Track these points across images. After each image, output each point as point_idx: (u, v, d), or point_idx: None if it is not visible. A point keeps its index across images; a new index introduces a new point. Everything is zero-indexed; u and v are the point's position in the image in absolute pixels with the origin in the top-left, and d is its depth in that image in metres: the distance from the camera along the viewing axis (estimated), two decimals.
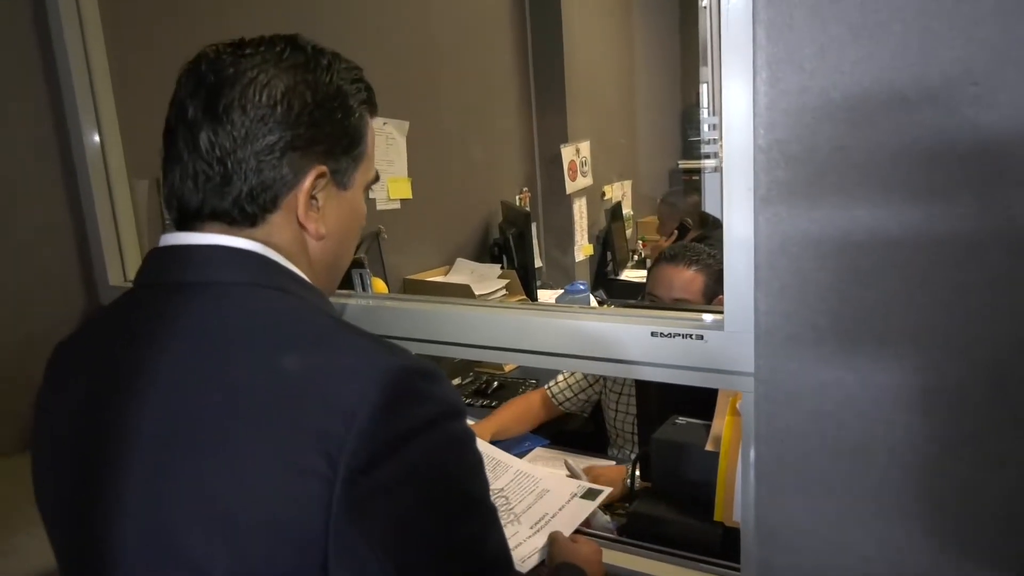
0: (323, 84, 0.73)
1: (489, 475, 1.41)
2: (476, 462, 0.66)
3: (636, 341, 0.95)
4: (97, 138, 1.56)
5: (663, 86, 4.98)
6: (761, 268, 0.81)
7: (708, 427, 1.20)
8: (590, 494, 1.29)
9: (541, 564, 1.10)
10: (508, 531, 1.22)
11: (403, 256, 2.79)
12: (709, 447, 1.15)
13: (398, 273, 2.78)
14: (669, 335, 0.93)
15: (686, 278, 1.82)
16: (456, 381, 2.46)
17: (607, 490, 1.26)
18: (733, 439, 1.06)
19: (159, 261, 0.73)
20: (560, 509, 1.26)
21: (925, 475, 0.79)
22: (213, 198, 0.70)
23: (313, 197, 0.74)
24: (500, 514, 1.31)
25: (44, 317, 1.51)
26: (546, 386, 2.10)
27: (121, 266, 1.59)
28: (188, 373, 0.65)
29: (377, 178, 0.84)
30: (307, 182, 0.72)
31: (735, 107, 0.81)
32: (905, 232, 0.75)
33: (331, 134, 0.74)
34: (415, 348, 1.11)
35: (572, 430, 2.20)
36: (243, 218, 0.71)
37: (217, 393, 0.62)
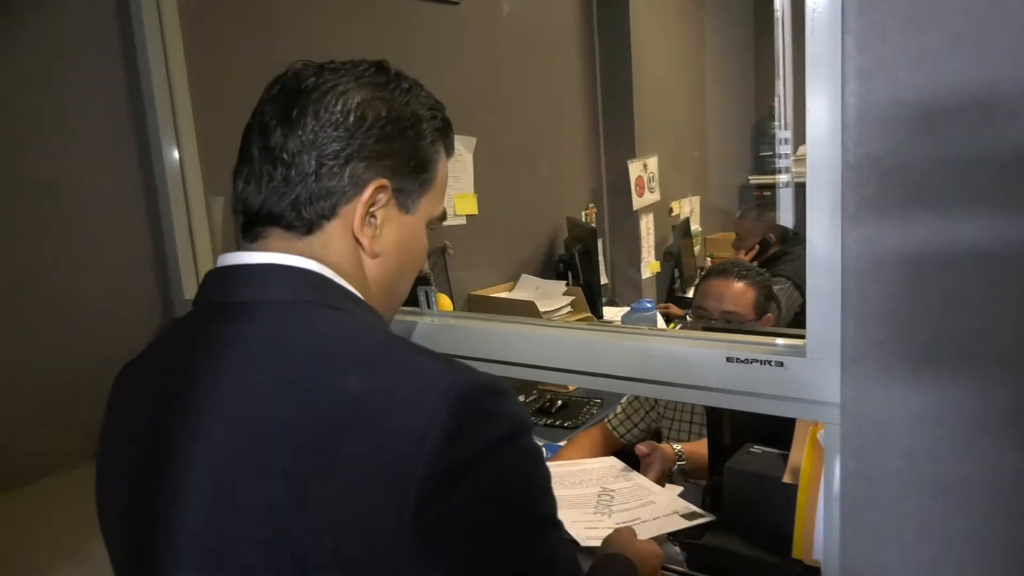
0: (399, 103, 0.74)
1: (611, 482, 1.44)
2: (545, 479, 0.64)
3: (711, 366, 0.91)
4: (176, 155, 1.61)
5: (734, 99, 4.87)
6: (849, 292, 0.76)
7: (786, 457, 1.14)
8: (691, 516, 1.26)
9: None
10: (593, 520, 1.27)
11: (468, 272, 2.79)
12: (787, 479, 1.08)
13: (463, 289, 2.78)
14: (746, 360, 0.88)
15: (737, 291, 1.78)
16: (520, 399, 2.43)
17: (709, 517, 1.23)
18: (814, 472, 1.00)
19: (216, 281, 0.72)
20: (654, 518, 1.26)
21: None
22: (272, 199, 0.70)
23: (372, 215, 0.73)
24: (598, 506, 1.35)
25: (122, 332, 1.55)
26: (606, 419, 2.06)
27: (196, 282, 1.62)
28: (248, 397, 0.63)
29: (444, 217, 0.83)
30: (366, 193, 0.72)
31: (820, 121, 0.76)
32: (1010, 253, 0.68)
33: (399, 151, 0.74)
34: (479, 367, 1.08)
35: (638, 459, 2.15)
36: (299, 223, 0.70)
37: (277, 418, 0.61)
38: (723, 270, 1.84)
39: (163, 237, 1.64)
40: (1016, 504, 0.72)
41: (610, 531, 1.06)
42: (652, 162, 3.55)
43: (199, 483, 0.63)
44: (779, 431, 1.13)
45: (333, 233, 0.71)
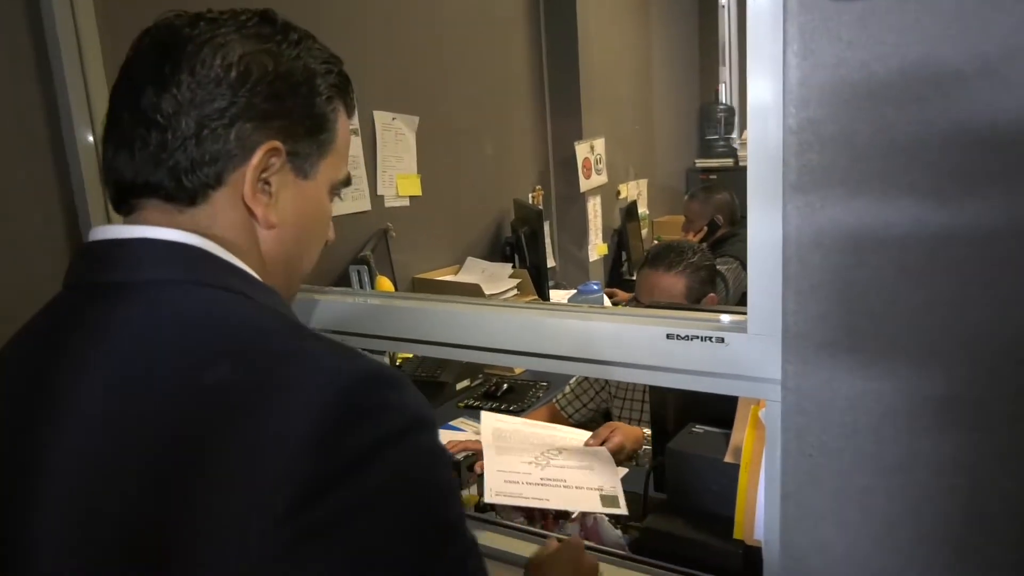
0: (288, 56, 0.66)
1: (564, 444, 1.43)
2: (449, 482, 0.58)
3: (650, 344, 0.87)
4: (91, 137, 1.51)
5: (680, 84, 4.88)
6: (790, 264, 0.73)
7: (728, 436, 1.11)
8: (610, 502, 1.24)
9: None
10: (521, 471, 1.28)
11: (412, 254, 2.72)
12: (728, 459, 1.06)
13: (407, 272, 2.71)
14: (686, 337, 0.84)
15: (666, 284, 1.74)
16: (465, 383, 2.38)
17: (622, 512, 1.22)
18: (755, 451, 0.98)
19: (86, 259, 0.65)
20: (576, 487, 1.26)
21: (974, 497, 0.70)
22: (147, 167, 0.63)
23: (265, 181, 0.65)
24: (537, 458, 1.32)
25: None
26: (554, 399, 2.03)
27: None
28: (111, 391, 0.57)
29: (348, 181, 0.75)
30: (256, 157, 0.64)
31: (761, 85, 0.72)
32: (958, 224, 0.66)
33: (292, 110, 0.66)
34: (406, 349, 1.03)
35: None
36: (180, 193, 0.63)
37: (141, 414, 0.54)
38: (655, 257, 1.79)
39: (78, 222, 1.53)
40: (958, 482, 0.71)
41: (529, 488, 1.03)
42: (599, 143, 3.53)
43: (54, 489, 0.56)
44: (724, 410, 1.10)
45: (220, 203, 0.64)
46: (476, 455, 1.68)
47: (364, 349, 1.12)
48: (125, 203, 0.66)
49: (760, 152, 0.73)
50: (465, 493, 1.57)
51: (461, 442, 1.79)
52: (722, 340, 0.82)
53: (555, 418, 1.99)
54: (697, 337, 0.84)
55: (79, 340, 0.60)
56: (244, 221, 0.66)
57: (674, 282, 1.73)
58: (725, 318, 0.87)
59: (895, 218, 0.68)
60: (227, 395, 0.53)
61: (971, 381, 0.68)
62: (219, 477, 0.51)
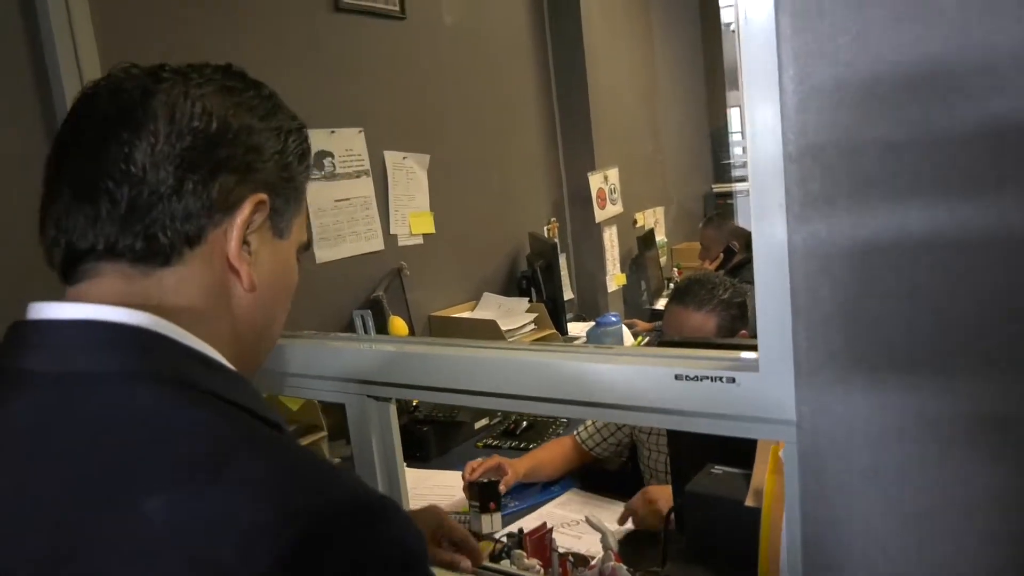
0: (263, 110, 0.63)
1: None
2: None
3: (658, 386, 0.83)
4: None
5: (691, 109, 4.87)
6: (799, 296, 0.69)
7: (748, 477, 1.06)
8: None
9: None
10: None
11: (427, 292, 2.71)
12: (749, 502, 1.01)
13: (423, 310, 2.69)
14: (695, 378, 0.80)
15: (696, 322, 1.65)
16: (483, 422, 2.34)
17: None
18: (777, 493, 0.92)
19: (17, 340, 0.57)
20: None
21: (1013, 544, 0.65)
22: (115, 227, 0.56)
23: (246, 240, 0.61)
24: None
25: None
26: (575, 432, 1.97)
27: None
28: (13, 508, 0.48)
29: (309, 244, 0.71)
30: (245, 211, 0.60)
31: (759, 113, 0.69)
32: (971, 242, 0.62)
33: (271, 165, 0.62)
34: (406, 396, 1.00)
35: (612, 471, 2.07)
36: (151, 254, 0.57)
37: (46, 547, 0.46)
38: (683, 293, 1.72)
39: None
40: (992, 526, 0.65)
41: None
42: (613, 173, 3.50)
43: None
44: (745, 448, 1.05)
45: (195, 264, 0.59)
46: (499, 475, 1.64)
47: (370, 396, 1.09)
48: (74, 270, 0.58)
49: (761, 182, 0.70)
50: (487, 520, 1.53)
51: (482, 462, 1.75)
52: (733, 380, 0.78)
53: (575, 451, 1.94)
54: (707, 377, 0.80)
55: None
56: (218, 285, 0.61)
57: (704, 320, 1.65)
58: (733, 355, 0.82)
59: (905, 242, 0.64)
60: (157, 536, 0.45)
61: (1003, 410, 0.63)
62: None
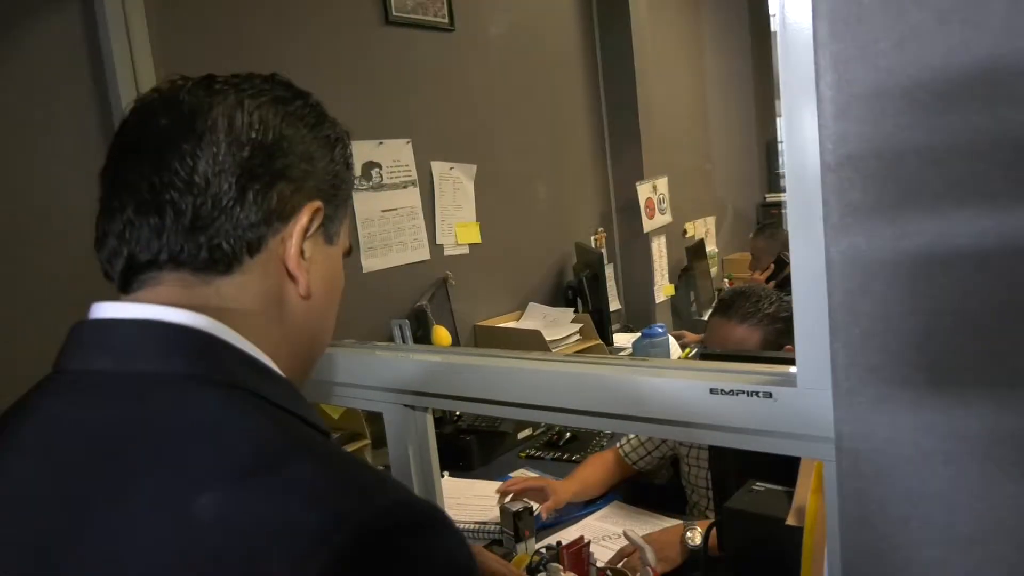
0: (311, 119, 0.64)
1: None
2: None
3: (694, 399, 0.81)
4: None
5: (742, 118, 4.79)
6: (837, 313, 0.66)
7: (791, 495, 1.03)
8: None
9: None
10: None
11: (473, 302, 2.72)
12: (791, 521, 0.98)
13: (468, 320, 2.70)
14: (731, 392, 0.78)
15: (740, 335, 1.60)
16: (526, 432, 2.33)
17: None
18: (820, 513, 0.89)
19: (78, 340, 0.58)
20: None
21: None
22: (180, 237, 0.57)
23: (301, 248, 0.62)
24: None
25: None
26: (617, 444, 1.95)
27: None
28: (73, 508, 0.49)
29: (351, 249, 0.71)
30: (303, 218, 0.61)
31: (796, 121, 0.67)
32: (1020, 254, 0.59)
33: (323, 172, 0.64)
34: (443, 406, 1.00)
35: (657, 485, 2.04)
36: (214, 262, 0.58)
37: (107, 542, 0.47)
38: (728, 305, 1.67)
39: None
40: None
41: None
42: (662, 183, 3.47)
43: None
44: (788, 465, 1.02)
45: (255, 272, 0.60)
46: (541, 499, 1.63)
47: (406, 405, 1.09)
48: (134, 280, 0.59)
49: (798, 192, 0.68)
50: (521, 548, 1.52)
51: (522, 481, 1.74)
52: (770, 395, 0.76)
53: (618, 465, 1.91)
54: (743, 392, 0.78)
55: (46, 441, 0.53)
56: (274, 292, 0.61)
57: (748, 334, 1.60)
58: (779, 371, 0.80)
59: (950, 256, 0.61)
60: (214, 534, 0.45)
61: None
62: None
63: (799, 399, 0.73)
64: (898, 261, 0.63)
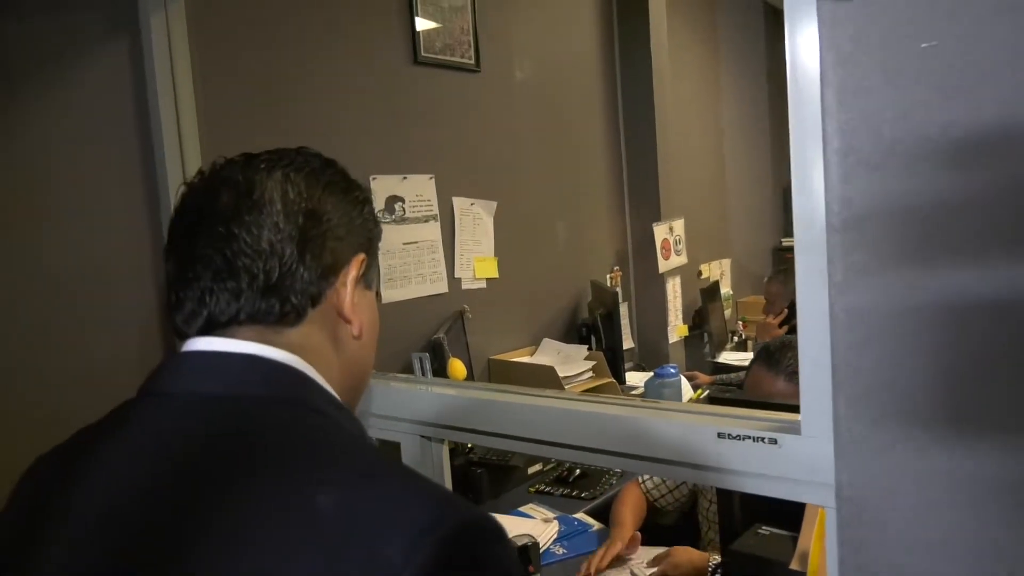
0: (345, 185, 0.73)
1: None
2: None
3: (701, 443, 0.84)
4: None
5: (760, 163, 4.85)
6: (840, 366, 0.70)
7: (795, 540, 1.05)
8: None
9: None
10: None
11: (488, 336, 2.75)
12: (794, 565, 1.00)
13: (483, 353, 2.74)
14: (738, 437, 0.81)
15: (785, 390, 1.57)
16: (536, 467, 2.35)
17: None
18: (823, 558, 0.92)
19: (173, 367, 0.66)
20: None
21: None
22: (256, 297, 0.65)
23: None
24: None
25: (124, 391, 1.53)
26: (639, 480, 1.96)
27: None
28: (185, 503, 0.56)
29: (379, 291, 0.80)
30: (353, 270, 0.70)
31: (804, 181, 0.71)
32: (1019, 312, 0.62)
33: (361, 228, 0.72)
34: (459, 439, 1.04)
35: (666, 525, 2.04)
36: (283, 316, 0.66)
37: (221, 530, 0.54)
38: (771, 356, 1.66)
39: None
40: None
41: None
42: (678, 225, 3.51)
43: None
44: (794, 510, 1.05)
45: (316, 321, 0.68)
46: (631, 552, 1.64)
47: (423, 436, 1.13)
48: (211, 334, 0.66)
49: (805, 251, 0.72)
50: None
51: (604, 555, 1.73)
52: (775, 441, 0.79)
53: (640, 499, 1.92)
54: (749, 437, 0.81)
55: (158, 448, 0.60)
56: (331, 336, 0.69)
57: (791, 392, 1.57)
58: (775, 417, 0.83)
59: (948, 316, 0.64)
60: (328, 522, 0.52)
61: None
62: None
63: (802, 446, 0.76)
64: (899, 319, 0.66)
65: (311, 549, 0.51)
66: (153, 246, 1.63)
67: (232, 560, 0.52)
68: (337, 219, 0.69)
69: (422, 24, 2.48)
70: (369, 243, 0.74)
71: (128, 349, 1.59)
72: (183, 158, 1.62)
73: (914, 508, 0.69)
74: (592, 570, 1.63)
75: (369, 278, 0.74)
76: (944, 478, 0.67)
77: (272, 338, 0.66)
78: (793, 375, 1.60)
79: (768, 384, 1.63)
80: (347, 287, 0.69)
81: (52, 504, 0.62)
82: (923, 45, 0.63)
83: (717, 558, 1.47)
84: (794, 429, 0.78)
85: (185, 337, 0.67)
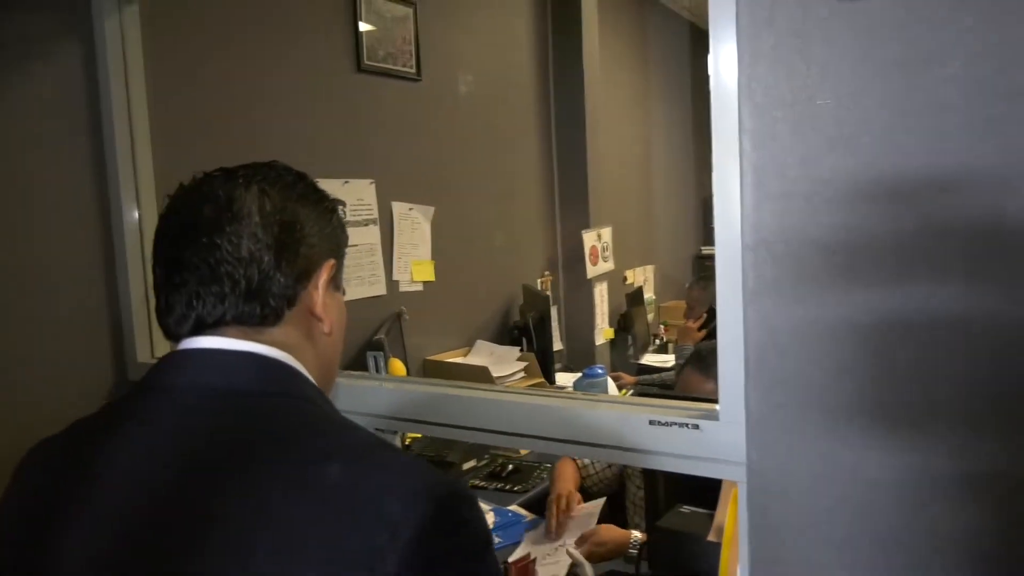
0: (316, 196, 0.80)
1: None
2: None
3: (635, 429, 0.97)
4: (136, 214, 1.65)
5: (683, 175, 5.11)
6: (751, 360, 0.84)
7: (712, 516, 1.20)
8: None
9: None
10: None
11: (424, 337, 2.84)
12: (711, 537, 1.14)
13: (419, 353, 2.82)
14: (667, 424, 0.95)
15: (712, 392, 1.74)
16: (471, 463, 2.45)
17: None
18: (736, 530, 1.06)
19: (175, 363, 0.73)
20: None
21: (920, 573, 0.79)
22: (240, 301, 0.72)
23: None
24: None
25: (71, 394, 1.56)
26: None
27: (151, 345, 1.65)
28: (202, 488, 0.63)
29: (344, 293, 0.87)
30: (324, 274, 0.77)
31: (725, 205, 0.85)
32: (878, 323, 0.78)
33: (331, 234, 0.80)
34: (414, 430, 1.13)
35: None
36: (264, 318, 0.73)
37: (242, 509, 0.61)
38: (702, 359, 1.80)
39: (119, 299, 1.66)
40: (906, 559, 0.79)
41: None
42: (606, 232, 3.69)
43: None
44: (712, 491, 1.19)
45: (292, 320, 0.75)
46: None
47: (377, 429, 1.23)
48: (198, 334, 0.73)
49: (725, 263, 0.86)
50: None
51: (567, 500, 1.90)
52: (697, 427, 0.93)
53: (575, 470, 2.09)
54: (676, 423, 0.94)
55: (162, 440, 0.67)
56: (306, 334, 0.77)
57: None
58: (698, 406, 0.97)
59: (834, 320, 0.79)
60: (336, 494, 0.60)
61: (917, 461, 0.78)
62: (327, 562, 0.58)
63: (720, 431, 0.90)
64: (798, 323, 0.81)
65: (329, 511, 0.60)
66: (104, 251, 1.65)
67: (255, 536, 0.59)
68: (309, 228, 0.76)
69: (366, 28, 2.55)
70: (338, 249, 0.81)
71: (73, 353, 1.60)
72: (135, 162, 1.65)
73: (809, 478, 0.84)
74: (558, 516, 1.82)
75: (338, 280, 0.82)
76: (833, 455, 0.82)
77: (256, 337, 0.73)
78: None
79: (699, 385, 1.80)
80: (319, 290, 0.77)
81: (69, 494, 0.68)
82: (819, 102, 0.78)
83: (639, 535, 1.62)
84: (713, 416, 0.92)
85: (177, 337, 0.74)
